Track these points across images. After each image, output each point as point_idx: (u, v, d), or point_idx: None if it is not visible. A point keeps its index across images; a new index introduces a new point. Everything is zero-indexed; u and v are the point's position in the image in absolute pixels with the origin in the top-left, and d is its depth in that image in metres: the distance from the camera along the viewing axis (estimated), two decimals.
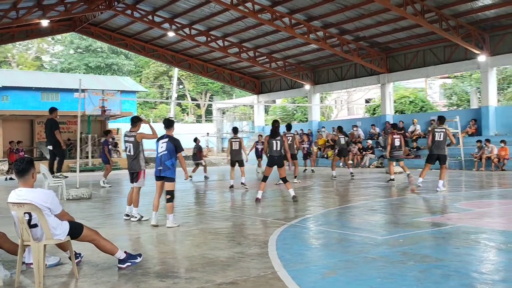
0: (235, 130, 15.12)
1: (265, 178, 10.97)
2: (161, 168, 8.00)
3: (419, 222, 7.93)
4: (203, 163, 18.87)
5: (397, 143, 15.16)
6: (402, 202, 10.68)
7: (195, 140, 19.13)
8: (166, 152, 7.99)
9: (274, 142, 10.84)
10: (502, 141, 19.40)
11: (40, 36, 35.92)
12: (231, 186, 14.08)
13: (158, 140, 8.20)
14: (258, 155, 19.99)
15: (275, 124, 11.24)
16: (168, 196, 7.98)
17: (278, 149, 10.81)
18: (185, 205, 11.48)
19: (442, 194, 11.64)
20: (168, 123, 8.30)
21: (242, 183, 14.05)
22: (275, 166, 10.88)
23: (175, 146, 8.02)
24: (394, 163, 15.72)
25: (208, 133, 41.76)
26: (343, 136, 17.88)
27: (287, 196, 11.96)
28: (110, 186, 15.98)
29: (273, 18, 22.02)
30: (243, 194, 12.99)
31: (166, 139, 8.09)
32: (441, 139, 12.18)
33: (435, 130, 12.35)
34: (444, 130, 12.27)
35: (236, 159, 14.48)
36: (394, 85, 29.99)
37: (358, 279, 4.75)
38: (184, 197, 13.52)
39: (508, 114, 21.82)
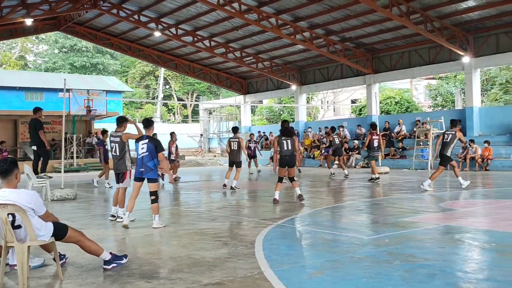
0: (234, 129, 14.60)
1: (280, 179, 10.81)
2: (143, 169, 7.87)
3: (405, 222, 7.98)
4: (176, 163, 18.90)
5: (375, 143, 15.55)
6: (387, 202, 10.74)
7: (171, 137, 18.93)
8: (147, 153, 7.86)
9: (284, 141, 10.60)
10: (485, 142, 19.61)
11: (24, 35, 35.53)
12: (224, 185, 13.88)
13: (137, 141, 8.04)
14: (250, 155, 19.45)
15: (285, 123, 11.16)
16: (153, 197, 7.90)
17: (290, 148, 10.60)
18: (171, 205, 11.44)
19: (429, 194, 11.73)
20: (147, 123, 8.13)
21: (232, 187, 13.56)
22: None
23: (155, 146, 7.88)
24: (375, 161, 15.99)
25: (202, 134, 41.69)
26: (337, 136, 18.09)
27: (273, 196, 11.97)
28: (110, 187, 15.65)
29: (259, 18, 22.03)
30: (230, 194, 12.96)
31: (146, 140, 7.94)
32: (447, 140, 12.49)
33: (446, 132, 12.80)
34: (453, 132, 12.57)
35: (234, 159, 13.96)
36: (380, 86, 30.22)
37: (344, 279, 4.76)
38: (170, 197, 13.47)
39: (492, 115, 22.08)
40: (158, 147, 7.92)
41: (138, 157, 7.95)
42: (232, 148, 13.98)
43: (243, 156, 14.93)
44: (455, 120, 13.18)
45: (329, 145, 22.92)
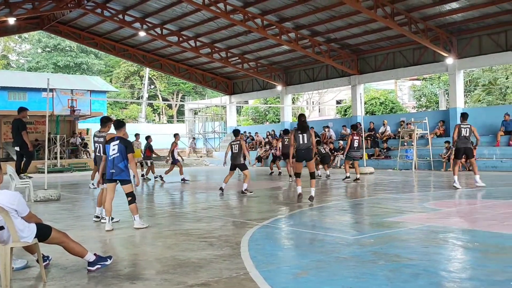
0: (235, 132, 13.84)
1: (297, 174, 10.88)
2: (114, 171, 7.77)
3: (389, 222, 8.03)
4: (149, 164, 18.81)
5: (356, 143, 15.84)
6: (372, 202, 10.80)
7: (147, 138, 18.84)
8: (118, 154, 7.76)
9: (300, 135, 10.56)
10: None
11: (7, 34, 35.14)
12: (221, 189, 13.22)
13: (108, 143, 7.95)
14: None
15: (302, 117, 10.98)
16: (129, 198, 7.83)
17: (306, 142, 10.54)
18: (156, 206, 11.39)
19: (413, 194, 11.82)
20: (118, 124, 8.07)
21: (243, 191, 12.65)
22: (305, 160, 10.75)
23: (125, 147, 7.79)
24: (351, 162, 16.35)
25: (194, 137, 41.53)
26: (323, 147, 18.18)
27: (260, 196, 11.99)
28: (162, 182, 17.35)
29: (245, 19, 22.04)
30: (216, 195, 12.93)
31: (117, 141, 7.84)
32: (467, 134, 12.73)
33: (461, 126, 12.85)
34: (469, 126, 12.80)
35: (235, 162, 13.19)
36: (365, 87, 30.41)
37: (330, 279, 4.78)
38: (156, 198, 13.41)
39: (475, 116, 22.23)
40: (128, 148, 7.84)
41: (109, 158, 7.84)
42: (233, 151, 13.17)
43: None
44: (466, 113, 13.34)
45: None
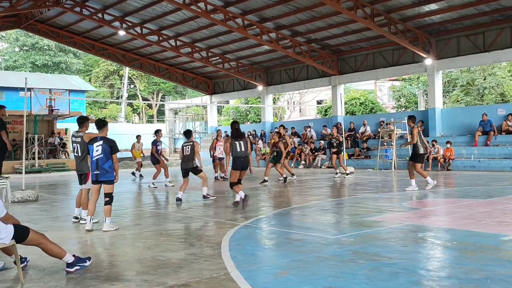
0: (188, 133, 11.84)
1: (235, 183, 10.09)
2: (98, 172, 7.64)
3: (369, 221, 8.09)
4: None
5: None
6: (352, 202, 10.87)
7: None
8: (102, 155, 7.61)
9: (237, 143, 10.11)
10: (447, 142, 20.07)
11: None
12: (178, 199, 11.09)
13: (91, 143, 7.76)
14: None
15: (235, 125, 10.43)
16: (107, 199, 7.73)
17: (243, 150, 10.10)
18: (136, 206, 11.31)
19: (393, 194, 11.93)
20: (101, 124, 7.90)
21: (204, 196, 11.68)
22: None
23: (110, 147, 7.66)
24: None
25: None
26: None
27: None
28: (173, 185, 15.48)
29: (225, 18, 22.01)
30: (196, 195, 12.89)
31: (101, 141, 7.68)
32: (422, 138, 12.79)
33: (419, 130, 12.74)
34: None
35: (187, 166, 11.64)
36: (345, 87, 30.58)
37: (310, 279, 4.79)
38: (136, 198, 13.31)
39: (453, 116, 22.63)
40: (113, 148, 7.70)
41: (93, 159, 7.69)
42: (185, 153, 11.53)
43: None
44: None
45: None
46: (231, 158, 10.36)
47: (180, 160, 11.81)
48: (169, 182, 15.83)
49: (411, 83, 36.26)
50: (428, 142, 20.44)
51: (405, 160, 21.58)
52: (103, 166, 7.61)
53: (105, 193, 7.76)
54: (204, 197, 11.62)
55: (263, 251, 6.23)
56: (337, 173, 17.55)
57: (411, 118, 13.06)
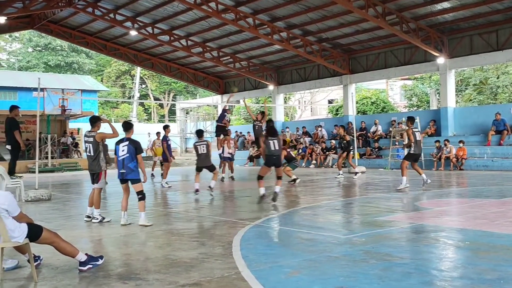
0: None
1: (261, 177, 10.66)
2: (124, 171, 8.02)
3: (381, 221, 8.06)
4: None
5: None
6: (364, 202, 10.83)
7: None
8: (127, 155, 8.01)
9: (271, 141, 10.55)
10: (460, 142, 19.92)
11: None
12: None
13: (118, 144, 8.16)
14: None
15: (271, 123, 11.01)
16: (140, 196, 8.11)
17: (277, 148, 10.55)
18: (148, 206, 11.35)
19: (404, 193, 11.88)
20: (127, 126, 8.30)
21: (210, 187, 12.12)
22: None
23: (135, 148, 8.05)
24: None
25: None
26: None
27: (252, 196, 11.99)
28: (169, 187, 15.18)
29: (236, 18, 22.02)
30: (207, 194, 12.91)
31: (126, 142, 8.09)
32: (419, 138, 12.67)
33: (414, 130, 12.66)
34: (419, 130, 13.19)
35: (205, 164, 12.36)
36: (356, 86, 30.49)
37: (321, 278, 4.79)
38: (147, 198, 13.36)
39: (466, 115, 22.45)
40: (138, 149, 8.10)
41: (119, 159, 8.06)
42: (201, 151, 12.27)
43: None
44: (413, 116, 13.59)
45: (295, 145, 22.98)
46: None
47: (196, 159, 12.47)
48: (166, 183, 15.42)
49: (423, 82, 36.04)
50: (439, 142, 20.43)
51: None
52: (128, 165, 8.00)
53: (136, 192, 8.13)
54: (210, 188, 12.07)
55: (274, 250, 6.23)
56: (339, 174, 16.99)
57: (410, 119, 13.11)
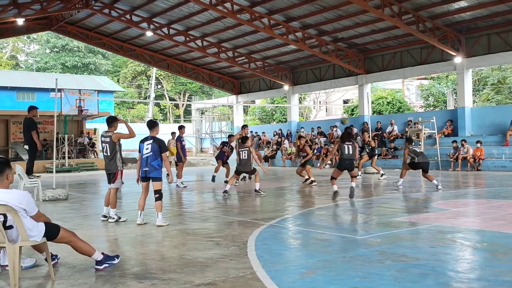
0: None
1: (333, 178, 11.37)
2: (147, 169, 8.06)
3: (397, 221, 8.01)
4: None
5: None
6: (379, 202, 10.77)
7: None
8: (151, 153, 8.07)
9: (346, 146, 11.09)
10: (477, 142, 19.72)
11: (16, 35, 35.31)
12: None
13: (142, 142, 8.23)
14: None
15: (348, 129, 11.53)
16: (157, 195, 8.10)
17: (351, 153, 11.13)
18: (163, 206, 11.40)
19: (420, 194, 11.79)
20: (151, 124, 8.35)
21: (256, 190, 12.46)
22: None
23: (159, 146, 8.10)
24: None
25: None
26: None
27: (267, 196, 12.01)
28: (185, 186, 15.31)
29: (252, 18, 22.03)
30: (224, 195, 12.93)
31: (151, 141, 8.14)
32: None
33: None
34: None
35: (245, 170, 13.00)
36: (372, 86, 30.32)
37: (336, 279, 4.77)
38: (163, 198, 13.42)
39: (483, 115, 22.21)
40: (162, 147, 8.17)
41: (143, 157, 8.14)
42: (243, 157, 12.79)
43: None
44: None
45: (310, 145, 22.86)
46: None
47: (237, 163, 13.10)
48: (181, 182, 15.50)
49: (439, 82, 35.73)
50: (456, 142, 20.23)
51: (434, 161, 21.30)
52: (152, 163, 8.04)
53: (154, 190, 8.12)
54: (256, 191, 12.45)
55: (289, 250, 6.22)
56: (382, 175, 16.89)
57: (408, 140, 13.91)
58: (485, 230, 7.17)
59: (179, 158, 16.01)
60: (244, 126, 15.61)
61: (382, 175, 16.87)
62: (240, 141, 13.54)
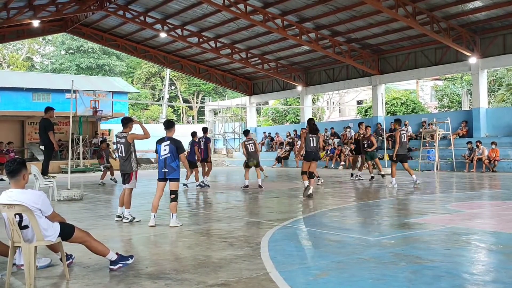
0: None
1: (305, 172, 11.66)
2: (166, 170, 8.06)
3: (411, 223, 7.96)
4: (109, 166, 18.20)
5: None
6: (393, 203, 10.71)
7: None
8: (169, 154, 8.05)
9: (311, 138, 11.60)
10: (492, 143, 19.53)
11: (31, 37, 35.73)
12: (246, 186, 14.15)
13: (159, 143, 8.21)
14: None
15: (312, 121, 11.99)
16: (173, 196, 8.09)
17: (315, 145, 11.62)
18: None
19: (434, 195, 11.71)
20: (168, 125, 8.34)
21: (260, 185, 14.27)
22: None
23: (176, 147, 8.07)
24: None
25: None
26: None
27: (280, 197, 12.00)
28: (203, 186, 15.10)
29: (265, 19, 22.05)
30: (235, 195, 12.96)
31: (168, 141, 8.12)
32: (405, 140, 14.03)
33: (401, 132, 13.81)
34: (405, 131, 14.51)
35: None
36: (386, 87, 30.16)
37: (350, 280, 4.76)
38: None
39: (499, 116, 21.99)
40: (179, 148, 8.12)
41: (161, 158, 8.12)
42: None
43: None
44: (399, 119, 14.70)
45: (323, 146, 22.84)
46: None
47: (247, 158, 14.16)
48: (202, 181, 15.26)
49: (454, 83, 35.43)
50: (471, 143, 20.05)
51: (448, 162, 21.15)
52: (170, 164, 8.04)
53: (170, 191, 8.12)
54: (259, 186, 13.91)
55: (302, 251, 6.21)
56: (383, 175, 17.00)
57: (397, 121, 14.43)
58: (500, 232, 7.10)
59: (206, 157, 15.71)
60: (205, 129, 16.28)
61: (383, 175, 16.99)
62: (244, 134, 14.71)
